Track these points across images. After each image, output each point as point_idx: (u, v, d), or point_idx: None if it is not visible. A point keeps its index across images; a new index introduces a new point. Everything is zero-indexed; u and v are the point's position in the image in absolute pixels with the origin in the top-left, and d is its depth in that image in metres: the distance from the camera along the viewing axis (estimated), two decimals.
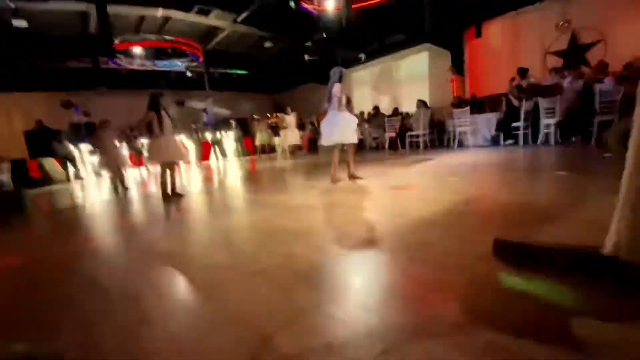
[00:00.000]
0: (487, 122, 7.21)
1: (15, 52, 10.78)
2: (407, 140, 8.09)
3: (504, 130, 6.77)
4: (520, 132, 6.37)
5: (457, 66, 9.63)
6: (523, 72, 6.76)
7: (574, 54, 7.34)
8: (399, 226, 2.14)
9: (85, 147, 9.37)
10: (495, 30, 8.88)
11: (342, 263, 1.69)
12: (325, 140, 4.15)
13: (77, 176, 9.23)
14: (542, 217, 2.04)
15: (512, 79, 6.83)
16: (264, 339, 1.07)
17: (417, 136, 7.90)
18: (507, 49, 8.67)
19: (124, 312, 1.39)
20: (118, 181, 5.71)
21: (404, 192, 3.31)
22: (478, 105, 7.79)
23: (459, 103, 8.01)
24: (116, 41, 10.32)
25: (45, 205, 5.51)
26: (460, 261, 1.50)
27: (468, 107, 6.99)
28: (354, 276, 1.54)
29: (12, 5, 7.78)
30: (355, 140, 4.20)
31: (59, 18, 9.50)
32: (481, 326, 1.03)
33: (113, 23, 8.85)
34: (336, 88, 3.99)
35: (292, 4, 7.57)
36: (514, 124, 6.47)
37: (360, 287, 1.42)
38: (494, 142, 7.03)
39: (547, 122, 6.00)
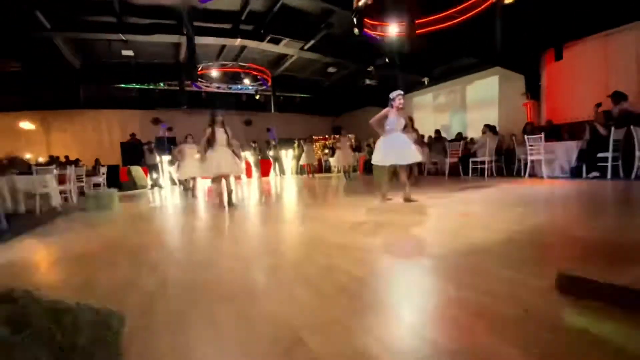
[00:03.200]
0: (567, 151, 6.45)
1: (121, 76, 12.95)
2: (470, 166, 7.62)
3: (588, 161, 5.99)
4: (609, 164, 5.57)
5: (532, 91, 8.93)
6: (619, 96, 5.95)
7: None
8: (450, 250, 2.01)
9: (166, 158, 10.59)
10: (580, 53, 8.10)
11: (385, 280, 1.65)
12: (379, 159, 4.12)
13: (157, 183, 10.43)
14: (620, 256, 1.75)
15: (598, 105, 6.09)
16: (297, 339, 1.09)
17: (482, 163, 7.39)
18: (593, 72, 7.81)
19: (177, 297, 1.53)
20: (190, 189, 6.35)
21: (461, 217, 3.10)
22: (555, 133, 7.06)
23: (532, 129, 7.36)
24: (199, 67, 11.74)
25: (129, 205, 6.31)
26: (516, 292, 1.36)
27: (542, 134, 6.37)
28: (396, 294, 1.48)
29: (123, 38, 9.40)
30: (412, 161, 4.09)
31: (156, 48, 11.19)
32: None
33: (198, 52, 10.14)
34: (383, 112, 4.02)
35: (355, 30, 7.86)
36: (601, 155, 5.70)
37: (401, 305, 1.36)
38: (575, 173, 6.22)
39: None
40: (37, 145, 11.97)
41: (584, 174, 5.97)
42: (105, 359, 0.72)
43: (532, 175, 6.72)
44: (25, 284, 1.41)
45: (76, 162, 9.41)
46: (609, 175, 5.57)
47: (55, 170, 6.21)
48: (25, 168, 6.98)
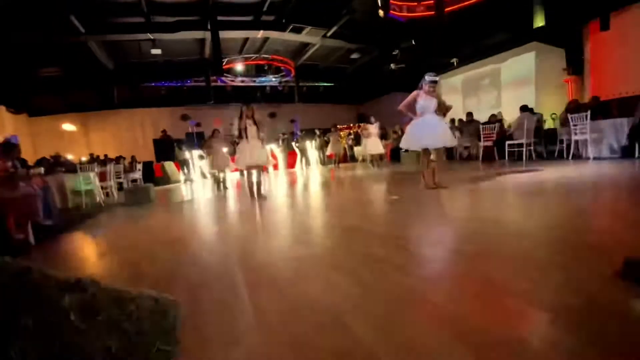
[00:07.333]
0: (616, 129, 5.92)
1: (150, 75, 13.43)
2: (507, 150, 7.22)
3: None
4: None
5: (574, 65, 8.28)
6: None
7: None
8: (494, 237, 1.91)
9: (195, 153, 10.93)
10: (629, 21, 7.37)
11: (428, 268, 1.60)
12: (411, 144, 4.00)
13: (189, 178, 10.82)
14: None
15: None
16: (343, 326, 1.07)
17: (520, 145, 6.98)
18: None
19: (219, 286, 1.56)
20: (220, 182, 6.53)
21: (500, 204, 2.95)
22: (603, 110, 6.49)
23: (576, 107, 6.82)
24: (224, 61, 11.92)
25: (166, 198, 6.59)
26: (575, 278, 1.26)
27: (588, 112, 5.89)
28: (441, 282, 1.43)
29: (151, 37, 9.70)
30: (447, 145, 3.98)
31: (183, 45, 11.47)
32: (592, 351, 0.84)
33: (222, 47, 10.27)
34: (412, 95, 3.89)
35: (380, 12, 7.61)
36: None
37: (450, 295, 1.31)
38: (626, 153, 5.72)
39: None
40: (78, 145, 12.76)
41: (637, 154, 5.48)
42: (165, 345, 0.73)
43: (577, 156, 6.27)
44: (84, 274, 1.49)
45: (117, 160, 9.92)
46: None
47: (96, 168, 6.58)
48: (70, 167, 7.45)
